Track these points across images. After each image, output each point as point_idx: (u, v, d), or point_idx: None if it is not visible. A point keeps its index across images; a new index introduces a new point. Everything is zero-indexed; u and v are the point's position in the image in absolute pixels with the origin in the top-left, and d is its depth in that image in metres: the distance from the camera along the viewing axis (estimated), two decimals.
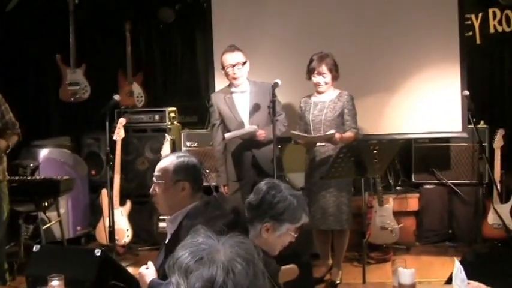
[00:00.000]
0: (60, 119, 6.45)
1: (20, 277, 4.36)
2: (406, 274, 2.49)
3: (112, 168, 5.02)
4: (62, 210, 5.25)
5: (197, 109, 6.12)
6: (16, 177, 4.94)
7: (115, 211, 5.02)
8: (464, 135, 5.12)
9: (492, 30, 5.70)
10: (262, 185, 2.40)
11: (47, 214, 5.06)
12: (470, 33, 5.66)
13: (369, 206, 4.98)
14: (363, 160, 4.10)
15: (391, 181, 5.53)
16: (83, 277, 3.01)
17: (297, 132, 4.40)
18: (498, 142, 5.04)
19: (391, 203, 5.10)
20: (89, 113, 6.10)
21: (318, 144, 4.39)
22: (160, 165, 2.65)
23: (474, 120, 4.72)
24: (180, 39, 6.42)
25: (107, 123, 4.71)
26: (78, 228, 5.69)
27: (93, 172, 5.97)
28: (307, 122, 4.44)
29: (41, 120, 6.44)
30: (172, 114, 5.83)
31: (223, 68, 4.38)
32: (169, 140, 5.30)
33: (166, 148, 5.23)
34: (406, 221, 5.32)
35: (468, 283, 2.31)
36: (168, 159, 2.65)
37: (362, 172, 4.16)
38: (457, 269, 2.32)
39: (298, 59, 4.68)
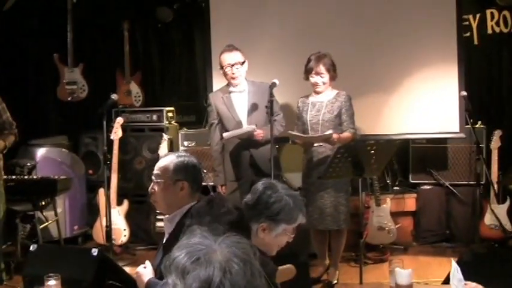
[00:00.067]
0: (58, 118, 6.45)
1: (17, 276, 4.35)
2: (403, 274, 2.50)
3: (109, 168, 5.02)
4: (59, 210, 5.24)
5: (195, 109, 6.12)
6: (13, 177, 4.94)
7: (112, 211, 5.01)
8: (462, 135, 5.13)
9: (490, 31, 5.71)
10: (259, 185, 2.40)
11: (44, 213, 5.05)
12: (468, 33, 5.66)
13: (366, 206, 4.98)
14: (361, 160, 4.10)
15: (388, 181, 5.54)
16: (80, 277, 3.00)
17: (294, 133, 4.40)
18: (495, 143, 5.04)
19: (388, 203, 5.10)
20: (86, 112, 6.10)
21: (315, 144, 4.39)
22: (160, 164, 2.65)
23: (471, 120, 4.73)
24: (178, 39, 6.42)
25: (105, 123, 4.71)
26: (76, 227, 5.69)
27: (90, 171, 5.97)
28: (304, 122, 4.44)
29: (38, 120, 6.42)
30: (170, 114, 5.83)
31: (221, 67, 4.37)
32: (166, 139, 5.30)
33: (163, 148, 5.23)
34: (404, 221, 5.33)
35: (465, 283, 2.32)
36: (168, 159, 2.65)
37: (359, 172, 4.17)
38: (454, 270, 2.33)
39: (296, 59, 4.68)
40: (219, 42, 4.98)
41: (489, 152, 5.09)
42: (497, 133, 5.07)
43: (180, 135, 5.74)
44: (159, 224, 5.29)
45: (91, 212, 5.74)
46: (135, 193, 5.68)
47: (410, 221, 5.44)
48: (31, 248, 3.30)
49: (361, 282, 4.19)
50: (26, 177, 5.13)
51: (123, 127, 5.42)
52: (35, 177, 5.17)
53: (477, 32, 5.71)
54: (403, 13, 5.16)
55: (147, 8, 6.27)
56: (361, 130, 4.93)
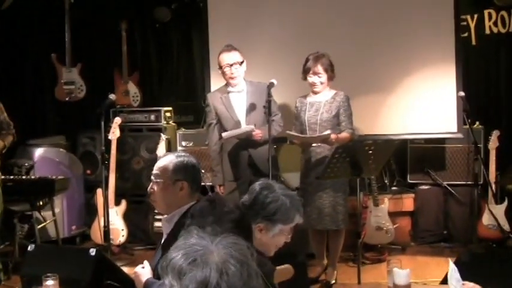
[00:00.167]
0: (56, 118, 6.44)
1: (15, 276, 4.34)
2: (401, 274, 2.50)
3: (107, 168, 5.02)
4: (57, 210, 5.24)
5: (193, 109, 6.11)
6: (11, 177, 4.93)
7: (110, 210, 5.01)
8: (460, 136, 5.13)
9: (488, 31, 5.71)
10: (256, 185, 2.40)
11: (42, 213, 5.03)
12: (466, 34, 5.67)
13: (364, 206, 4.98)
14: (359, 160, 4.10)
15: (386, 181, 5.54)
16: (78, 277, 3.00)
17: (292, 133, 4.40)
18: (493, 143, 5.05)
19: (386, 203, 5.11)
20: (84, 112, 6.10)
21: (313, 144, 4.39)
22: (160, 164, 2.64)
23: (469, 121, 4.74)
24: (176, 39, 6.42)
25: (103, 123, 4.71)
26: (73, 227, 5.68)
27: (88, 171, 5.96)
28: (303, 122, 4.44)
29: (36, 120, 6.42)
30: (168, 114, 5.82)
31: (220, 67, 4.37)
32: (164, 139, 5.29)
33: (161, 148, 5.22)
34: (401, 221, 5.33)
35: (463, 283, 2.32)
36: (168, 158, 2.64)
37: (357, 172, 4.17)
38: (452, 270, 2.33)
39: (294, 59, 4.68)
40: (217, 42, 4.98)
41: (487, 152, 5.10)
42: (495, 133, 5.07)
43: (178, 135, 5.74)
44: (157, 224, 5.28)
45: (89, 212, 5.73)
46: (133, 193, 5.67)
47: (408, 221, 5.45)
48: (29, 248, 3.30)
49: (359, 282, 4.19)
50: (23, 177, 5.13)
51: (121, 127, 5.41)
52: (32, 177, 5.17)
53: (475, 32, 5.72)
54: (401, 13, 5.16)
55: (145, 8, 6.27)
56: (359, 130, 4.93)
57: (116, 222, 5.27)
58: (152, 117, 5.78)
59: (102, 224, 4.96)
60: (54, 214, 5.07)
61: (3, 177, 4.49)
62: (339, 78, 4.46)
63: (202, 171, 4.99)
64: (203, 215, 2.49)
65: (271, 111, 4.15)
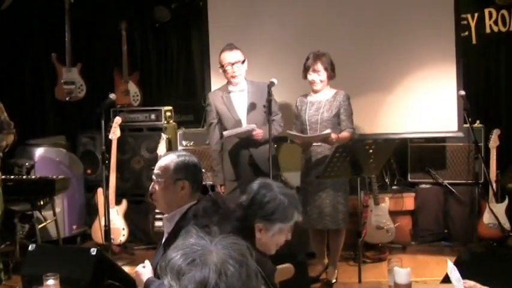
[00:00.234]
0: (56, 118, 6.44)
1: (16, 276, 4.35)
2: (401, 273, 2.50)
3: (108, 168, 5.02)
4: (57, 210, 5.24)
5: (193, 108, 6.11)
6: (12, 176, 4.92)
7: (111, 210, 5.02)
8: (460, 134, 5.13)
9: (488, 30, 5.71)
10: (254, 184, 2.39)
11: (42, 213, 5.04)
12: (466, 33, 5.67)
13: (364, 205, 4.99)
14: (359, 160, 4.10)
15: (387, 180, 5.54)
16: (78, 276, 3.01)
17: (293, 132, 4.40)
18: (494, 142, 5.04)
19: (387, 203, 5.11)
20: (84, 112, 6.10)
21: (314, 144, 4.38)
22: (161, 163, 2.64)
23: (470, 119, 4.74)
24: (176, 39, 6.41)
25: (103, 122, 4.71)
26: (74, 227, 5.68)
27: (88, 171, 5.96)
28: (303, 121, 4.43)
29: (36, 119, 6.42)
30: (168, 113, 5.82)
31: (221, 66, 4.36)
32: (165, 139, 5.30)
33: (162, 147, 5.23)
34: (402, 220, 5.33)
35: (464, 282, 2.32)
36: (169, 158, 2.64)
37: (358, 172, 4.17)
38: (451, 269, 2.33)
39: (294, 59, 4.68)
40: (217, 41, 4.98)
41: (487, 151, 5.09)
42: (496, 132, 5.07)
43: (178, 134, 5.74)
44: (158, 223, 5.28)
45: (89, 211, 5.73)
46: (133, 193, 5.68)
47: (409, 220, 5.44)
48: (30, 248, 3.31)
49: (359, 281, 4.20)
50: (24, 177, 5.13)
51: (121, 127, 5.41)
52: (33, 177, 5.17)
53: (475, 31, 5.72)
54: (401, 13, 5.16)
55: (145, 8, 6.26)
56: (360, 129, 4.93)
57: (116, 221, 5.27)
58: (152, 116, 5.78)
59: (102, 223, 4.96)
60: (54, 214, 5.08)
61: (3, 177, 4.49)
62: (339, 78, 4.46)
63: (203, 170, 5.03)
64: (208, 214, 2.49)
65: (271, 111, 4.14)
